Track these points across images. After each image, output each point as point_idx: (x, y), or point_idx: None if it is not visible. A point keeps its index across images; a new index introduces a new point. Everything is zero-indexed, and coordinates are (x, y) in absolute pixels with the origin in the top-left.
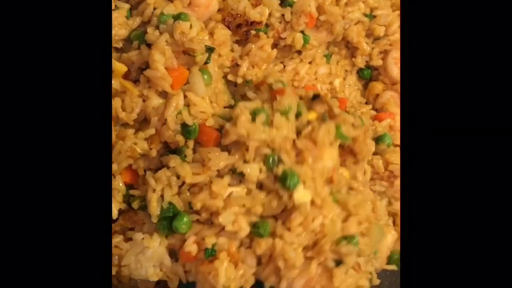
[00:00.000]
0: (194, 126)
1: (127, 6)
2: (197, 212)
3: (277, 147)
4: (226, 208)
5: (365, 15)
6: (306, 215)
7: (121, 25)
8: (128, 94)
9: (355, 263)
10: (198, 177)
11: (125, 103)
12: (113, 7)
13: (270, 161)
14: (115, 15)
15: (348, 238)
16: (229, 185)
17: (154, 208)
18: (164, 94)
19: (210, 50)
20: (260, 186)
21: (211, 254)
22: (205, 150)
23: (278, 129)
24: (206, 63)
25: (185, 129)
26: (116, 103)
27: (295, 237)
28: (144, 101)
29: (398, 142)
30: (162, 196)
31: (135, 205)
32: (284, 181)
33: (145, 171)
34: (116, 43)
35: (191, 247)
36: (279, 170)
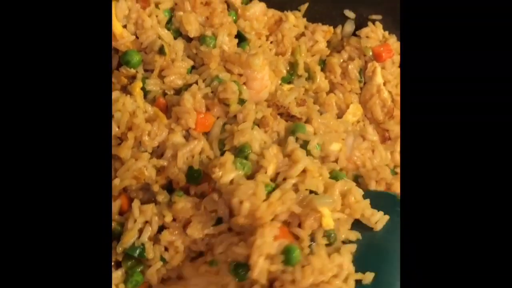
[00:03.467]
0: (198, 173)
1: (191, 62)
2: None
3: None
4: None
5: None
6: None
7: (180, 75)
8: (157, 122)
9: None
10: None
11: (152, 130)
12: (180, 57)
13: None
14: (178, 64)
15: None
16: None
17: (128, 238)
18: (187, 137)
19: (242, 101)
20: None
21: None
22: None
23: None
24: None
25: (190, 172)
26: (145, 127)
27: None
28: (169, 133)
29: None
30: (140, 231)
31: None
32: None
33: None
34: (168, 89)
35: None
36: None
